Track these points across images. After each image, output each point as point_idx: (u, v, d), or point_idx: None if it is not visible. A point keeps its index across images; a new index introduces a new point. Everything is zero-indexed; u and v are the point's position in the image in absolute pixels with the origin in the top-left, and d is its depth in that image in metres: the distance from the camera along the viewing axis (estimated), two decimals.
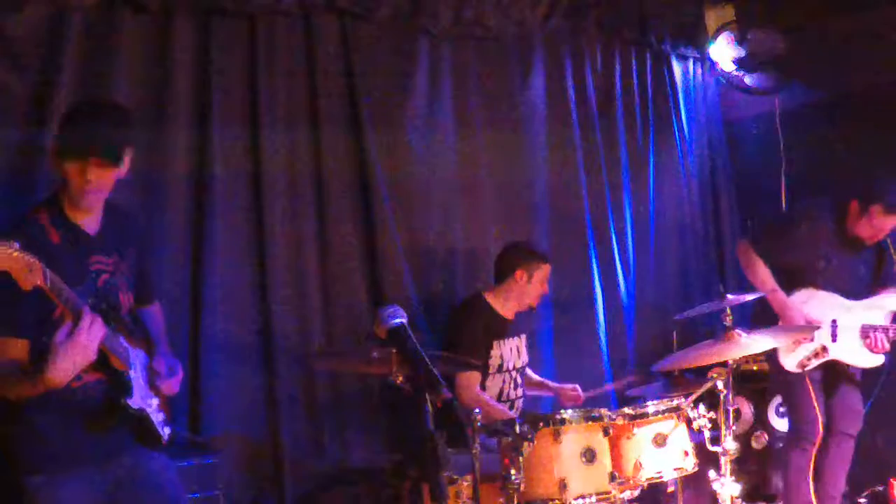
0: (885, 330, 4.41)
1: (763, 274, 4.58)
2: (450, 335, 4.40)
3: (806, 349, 4.47)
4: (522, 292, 4.43)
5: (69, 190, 2.73)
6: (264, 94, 4.23)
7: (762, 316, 4.60)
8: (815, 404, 4.46)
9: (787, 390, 4.66)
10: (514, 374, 4.45)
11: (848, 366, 4.56)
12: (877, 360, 4.51)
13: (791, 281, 4.58)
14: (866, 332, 4.44)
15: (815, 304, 4.51)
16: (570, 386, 4.64)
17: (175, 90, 4.01)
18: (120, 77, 3.86)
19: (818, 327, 4.40)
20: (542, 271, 4.45)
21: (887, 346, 4.42)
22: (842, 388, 4.64)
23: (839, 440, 4.62)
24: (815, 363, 4.46)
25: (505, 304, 4.44)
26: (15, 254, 2.34)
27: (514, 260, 4.44)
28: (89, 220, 2.83)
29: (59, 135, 2.76)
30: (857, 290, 4.57)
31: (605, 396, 4.95)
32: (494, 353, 4.36)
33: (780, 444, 4.98)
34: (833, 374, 4.60)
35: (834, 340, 4.46)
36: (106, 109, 2.86)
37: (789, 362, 4.48)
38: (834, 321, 4.47)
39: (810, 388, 4.46)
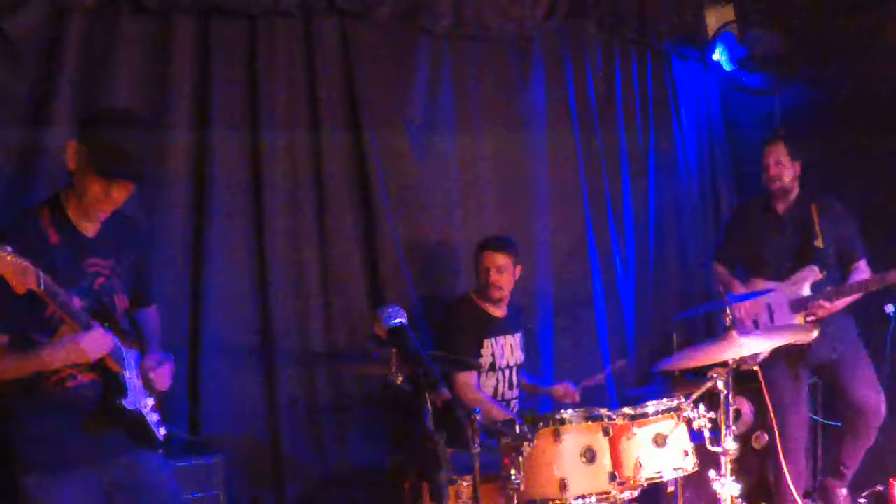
0: (814, 299, 4.51)
1: (724, 276, 4.94)
2: (441, 337, 4.41)
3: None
4: (481, 285, 4.43)
5: (83, 199, 2.73)
6: (264, 94, 4.22)
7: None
8: (767, 400, 4.49)
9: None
10: (507, 372, 4.44)
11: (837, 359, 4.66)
12: (808, 337, 4.44)
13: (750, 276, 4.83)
14: (799, 306, 4.56)
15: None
16: (561, 386, 4.59)
17: (175, 90, 4.01)
18: (120, 77, 3.87)
19: (817, 327, 4.40)
20: (483, 259, 4.40)
21: (830, 308, 4.49)
22: (856, 375, 4.68)
23: (864, 420, 4.67)
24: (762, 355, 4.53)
25: (487, 302, 4.45)
26: (9, 258, 2.36)
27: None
28: (90, 224, 2.83)
29: (92, 150, 2.69)
30: (792, 268, 4.69)
31: (600, 389, 4.93)
32: (486, 351, 4.37)
33: None
34: (830, 369, 4.70)
35: (772, 322, 4.61)
36: (135, 125, 2.83)
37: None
38: (768, 305, 4.62)
39: (763, 385, 4.49)
